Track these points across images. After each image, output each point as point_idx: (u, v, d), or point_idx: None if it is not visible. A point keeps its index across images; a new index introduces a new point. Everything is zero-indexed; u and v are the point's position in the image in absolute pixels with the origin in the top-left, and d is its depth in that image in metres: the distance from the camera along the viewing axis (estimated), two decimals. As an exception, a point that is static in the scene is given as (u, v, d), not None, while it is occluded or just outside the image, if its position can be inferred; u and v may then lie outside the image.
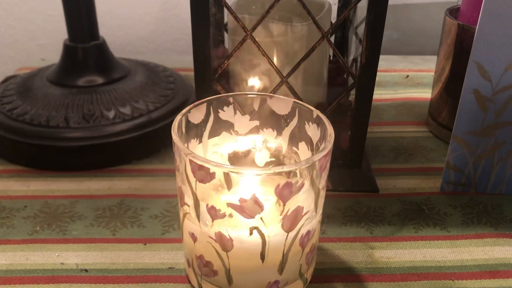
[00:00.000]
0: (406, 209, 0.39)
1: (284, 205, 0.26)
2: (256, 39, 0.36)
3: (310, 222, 0.28)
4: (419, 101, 0.56)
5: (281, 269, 0.28)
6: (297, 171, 0.25)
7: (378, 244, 0.35)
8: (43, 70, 0.50)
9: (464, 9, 0.46)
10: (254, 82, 0.43)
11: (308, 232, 0.28)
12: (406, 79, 0.62)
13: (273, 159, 0.34)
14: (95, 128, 0.43)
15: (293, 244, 0.28)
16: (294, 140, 0.33)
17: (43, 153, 0.42)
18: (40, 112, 0.44)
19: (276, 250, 0.27)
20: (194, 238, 0.29)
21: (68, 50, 0.47)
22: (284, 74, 0.37)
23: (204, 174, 0.26)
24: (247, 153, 0.34)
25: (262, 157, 0.34)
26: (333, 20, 0.50)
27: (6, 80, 0.54)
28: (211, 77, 0.38)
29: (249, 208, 0.25)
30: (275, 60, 0.41)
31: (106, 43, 0.48)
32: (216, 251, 0.28)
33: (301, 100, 0.38)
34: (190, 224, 0.28)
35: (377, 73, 0.62)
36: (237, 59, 0.42)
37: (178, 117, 0.29)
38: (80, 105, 0.44)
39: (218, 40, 0.47)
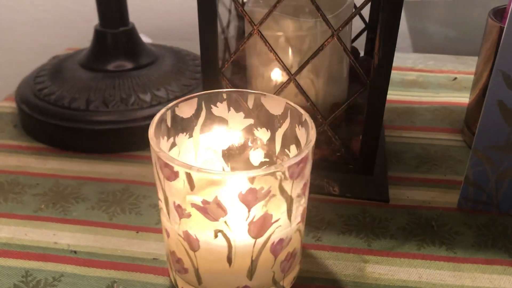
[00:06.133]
0: (413, 223, 0.36)
1: (249, 211, 0.25)
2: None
3: (283, 231, 0.27)
4: (459, 106, 0.52)
5: (250, 275, 0.28)
6: (259, 178, 0.24)
7: (373, 258, 0.33)
8: (78, 53, 0.52)
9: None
10: (271, 76, 0.42)
11: (281, 240, 0.27)
12: (453, 82, 0.58)
13: (267, 160, 0.33)
14: (113, 113, 0.44)
15: (262, 251, 0.27)
16: (286, 141, 0.31)
17: (63, 134, 0.44)
18: (64, 94, 0.45)
19: (243, 256, 0.27)
20: (167, 233, 0.29)
21: (98, 35, 0.48)
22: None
23: (169, 172, 0.25)
24: (242, 151, 0.33)
25: (256, 156, 0.33)
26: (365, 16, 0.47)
27: (53, 59, 0.56)
28: (218, 70, 0.37)
29: (212, 211, 0.25)
30: (290, 55, 0.40)
31: (135, 29, 0.49)
32: (185, 250, 0.27)
33: (310, 98, 0.37)
34: (163, 220, 0.28)
35: (422, 73, 0.60)
36: (254, 52, 0.41)
37: (163, 110, 0.29)
38: (102, 89, 0.45)
39: (241, 31, 0.46)
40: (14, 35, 0.78)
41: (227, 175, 0.26)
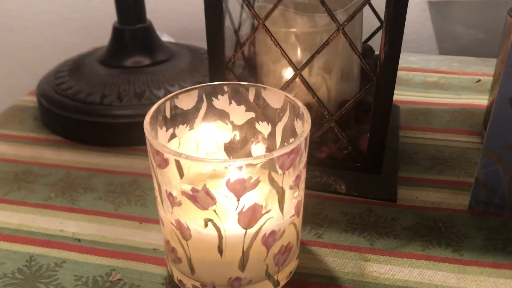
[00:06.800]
0: (419, 224, 0.35)
1: (238, 200, 0.25)
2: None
3: (275, 222, 0.27)
4: (481, 108, 0.51)
5: (242, 266, 0.27)
6: (249, 167, 0.24)
7: (374, 257, 0.33)
8: (99, 50, 0.54)
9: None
10: (281, 73, 0.41)
11: (273, 232, 0.27)
12: (477, 84, 0.56)
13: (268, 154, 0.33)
14: (126, 107, 0.45)
15: (254, 243, 0.27)
16: (286, 135, 0.31)
17: (77, 127, 0.45)
18: (82, 88, 0.47)
19: (234, 246, 0.27)
20: (162, 223, 0.29)
21: (116, 32, 0.49)
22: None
23: (160, 159, 0.25)
24: (243, 145, 0.33)
25: (258, 150, 0.33)
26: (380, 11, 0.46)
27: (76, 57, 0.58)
28: (225, 65, 0.37)
29: (201, 199, 0.25)
30: (303, 52, 0.40)
31: (152, 26, 0.50)
32: (178, 239, 0.28)
33: (316, 94, 0.37)
34: (159, 209, 0.29)
35: (445, 75, 0.58)
36: (264, 49, 0.41)
37: (161, 101, 0.29)
38: (118, 84, 0.46)
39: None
40: (45, 34, 0.80)
41: (215, 163, 0.26)
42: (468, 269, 0.32)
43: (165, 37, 0.65)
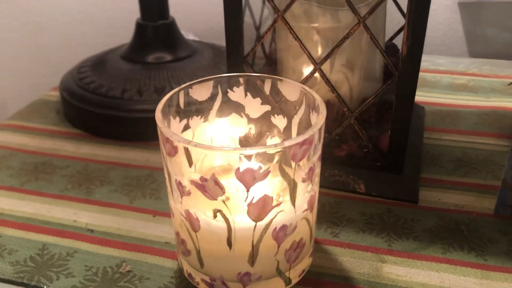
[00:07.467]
0: (441, 227, 0.34)
1: (248, 191, 0.24)
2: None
3: (286, 216, 0.26)
4: (511, 111, 0.48)
5: (251, 261, 0.27)
6: (259, 157, 0.23)
7: (392, 258, 0.31)
8: (122, 46, 0.54)
9: None
10: (302, 69, 0.41)
11: (284, 226, 0.26)
12: (508, 87, 0.54)
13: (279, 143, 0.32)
14: (146, 102, 0.45)
15: (264, 236, 0.26)
16: (302, 129, 0.30)
17: (97, 120, 0.45)
18: (103, 83, 0.47)
19: (243, 239, 0.26)
20: (172, 213, 0.28)
21: (139, 28, 0.49)
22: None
23: (170, 147, 0.25)
24: (259, 139, 0.33)
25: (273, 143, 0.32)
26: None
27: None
28: (243, 58, 0.37)
29: (210, 189, 0.24)
30: (325, 48, 0.39)
31: (175, 23, 0.50)
32: (187, 230, 0.27)
33: (335, 90, 0.36)
34: (169, 199, 0.28)
35: (474, 78, 0.56)
36: (285, 45, 0.40)
37: (175, 90, 0.29)
38: (138, 79, 0.46)
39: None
40: (74, 33, 0.82)
41: (224, 152, 0.25)
42: (492, 274, 0.30)
43: (190, 36, 0.65)
